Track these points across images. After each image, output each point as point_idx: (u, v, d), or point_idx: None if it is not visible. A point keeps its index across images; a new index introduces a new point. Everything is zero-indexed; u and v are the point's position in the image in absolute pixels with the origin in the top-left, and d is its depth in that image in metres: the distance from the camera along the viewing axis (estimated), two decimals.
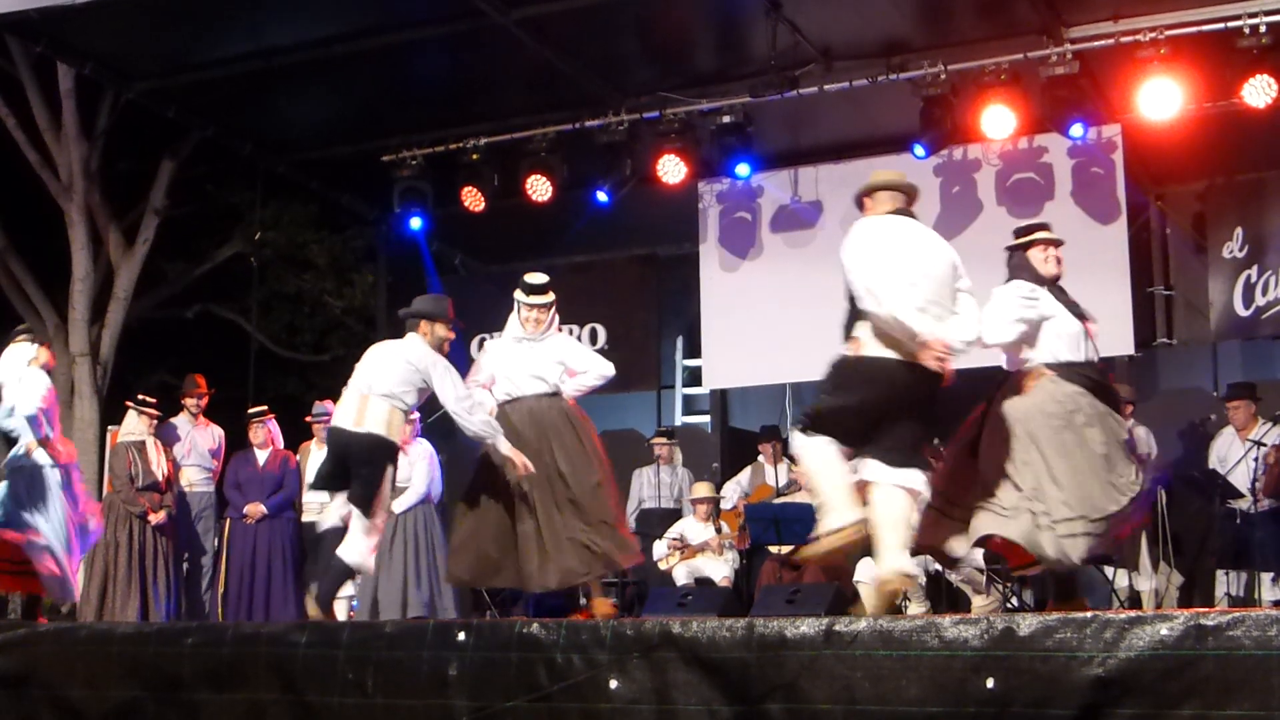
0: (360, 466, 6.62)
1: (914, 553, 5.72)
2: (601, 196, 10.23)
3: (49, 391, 7.55)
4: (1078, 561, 5.57)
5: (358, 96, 10.32)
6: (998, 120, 9.09)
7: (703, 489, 9.99)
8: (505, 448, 6.53)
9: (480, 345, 11.73)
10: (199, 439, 9.93)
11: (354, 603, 8.99)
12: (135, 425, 9.44)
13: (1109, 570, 7.87)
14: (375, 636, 5.64)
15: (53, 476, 7.53)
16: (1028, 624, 4.46)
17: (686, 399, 13.43)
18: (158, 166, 14.40)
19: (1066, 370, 5.71)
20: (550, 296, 6.90)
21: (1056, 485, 5.55)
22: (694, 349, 12.20)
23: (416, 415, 8.39)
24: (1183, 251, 10.69)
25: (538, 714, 5.11)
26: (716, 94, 9.80)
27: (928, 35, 9.23)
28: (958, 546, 5.82)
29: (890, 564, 5.26)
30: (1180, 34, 8.56)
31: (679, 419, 13.14)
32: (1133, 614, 4.59)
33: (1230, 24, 8.45)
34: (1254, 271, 9.97)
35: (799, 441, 5.51)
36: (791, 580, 8.44)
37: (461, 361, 7.28)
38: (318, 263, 16.22)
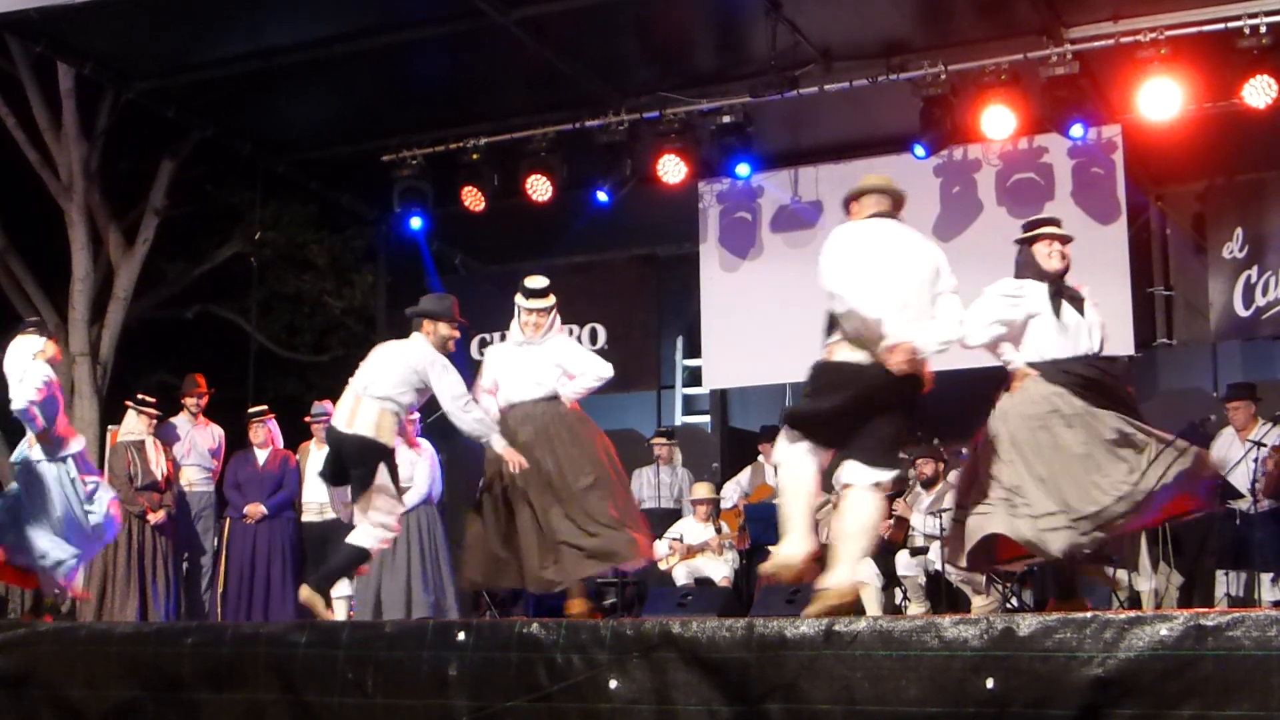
0: (353, 467, 6.73)
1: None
2: (601, 196, 10.24)
3: (46, 384, 7.52)
4: (1056, 554, 5.57)
5: (358, 96, 10.33)
6: (998, 120, 9.10)
7: (702, 489, 9.99)
8: (499, 445, 6.60)
9: (480, 345, 11.75)
10: (198, 439, 9.93)
11: (353, 602, 9.00)
12: (135, 425, 9.44)
13: (1109, 570, 7.86)
14: (375, 636, 5.64)
15: (50, 471, 7.53)
16: (1027, 624, 4.46)
17: (686, 399, 13.43)
18: (158, 166, 14.40)
19: (1050, 369, 5.71)
20: (550, 300, 6.89)
21: (1037, 482, 5.58)
22: (694, 349, 12.20)
23: (416, 415, 8.39)
24: (1183, 252, 10.69)
25: (537, 714, 5.11)
26: (716, 94, 9.81)
27: (928, 35, 9.23)
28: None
29: (842, 576, 5.27)
30: (1180, 34, 8.57)
31: (679, 419, 13.14)
32: (1132, 614, 4.59)
33: (1230, 24, 8.45)
34: (1254, 272, 9.97)
35: (779, 452, 5.56)
36: (792, 579, 8.43)
37: (461, 361, 7.28)
38: (318, 263, 16.23)
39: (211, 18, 9.10)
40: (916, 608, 8.63)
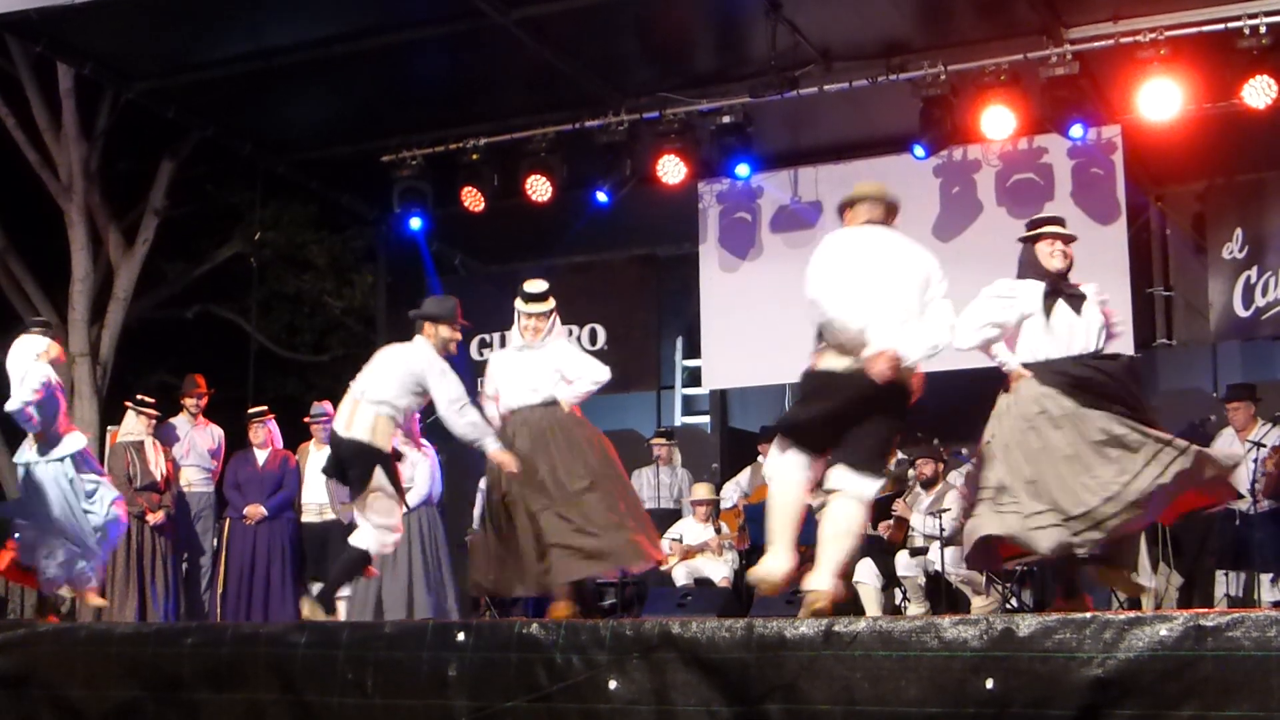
0: (350, 469, 6.77)
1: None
2: (601, 197, 10.24)
3: (45, 385, 7.50)
4: (1045, 551, 5.57)
5: (358, 96, 10.33)
6: (998, 121, 9.10)
7: (702, 490, 9.99)
8: (491, 449, 6.63)
9: (481, 346, 11.76)
10: (198, 439, 9.93)
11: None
12: (134, 425, 9.43)
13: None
14: (375, 637, 5.64)
15: (47, 473, 7.51)
16: (1027, 625, 4.46)
17: (686, 399, 13.43)
18: (157, 166, 14.40)
19: (1043, 369, 5.71)
20: (549, 304, 6.87)
21: (1026, 484, 5.59)
22: (694, 349, 12.20)
23: (416, 416, 8.40)
24: (1182, 252, 10.68)
25: (537, 714, 5.11)
26: (716, 94, 9.81)
27: (928, 36, 9.23)
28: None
29: (823, 580, 5.32)
30: (1180, 34, 8.57)
31: (679, 419, 13.14)
32: (1132, 615, 4.59)
33: (1230, 24, 8.45)
34: (1254, 272, 9.97)
35: (770, 464, 5.66)
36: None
37: (462, 362, 7.29)
38: (317, 263, 16.23)
39: (211, 18, 9.10)
40: (916, 608, 8.63)
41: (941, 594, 8.51)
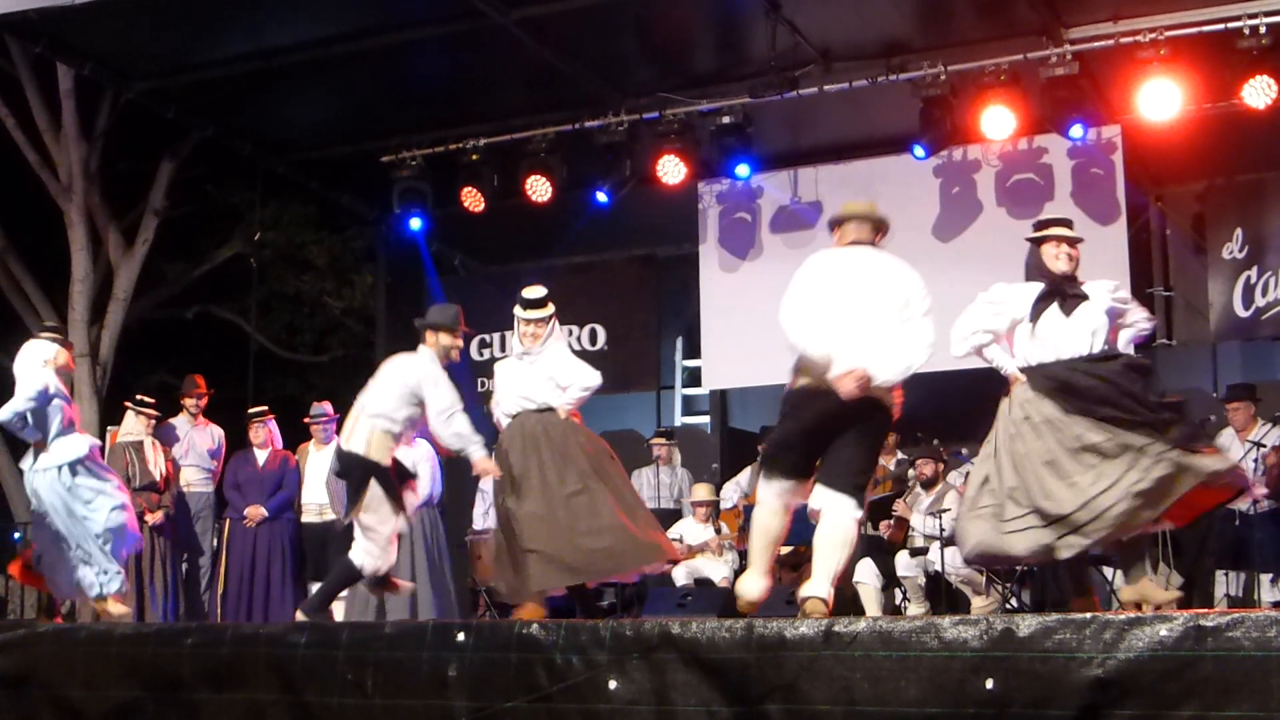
0: (346, 480, 6.91)
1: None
2: (601, 197, 10.23)
3: (39, 394, 7.46)
4: (1021, 554, 5.60)
5: (358, 96, 10.33)
6: (997, 121, 9.10)
7: (702, 491, 9.98)
8: (476, 456, 6.72)
9: (480, 347, 11.76)
10: (197, 439, 9.92)
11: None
12: (133, 426, 9.42)
13: (1108, 571, 7.87)
14: (374, 637, 5.64)
15: (43, 480, 7.48)
16: (1027, 625, 4.46)
17: (686, 399, 13.43)
18: (157, 167, 14.41)
19: (1035, 374, 5.69)
20: (548, 310, 6.85)
21: (1008, 489, 5.60)
22: (694, 349, 12.20)
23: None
24: (1182, 252, 10.68)
25: (537, 714, 5.11)
26: (716, 94, 9.80)
27: (927, 36, 9.23)
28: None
29: (812, 589, 5.41)
30: (1180, 35, 8.57)
31: (679, 419, 13.14)
32: (1132, 615, 4.59)
33: (1230, 25, 8.45)
34: (1254, 272, 9.97)
35: (759, 490, 5.80)
36: (792, 581, 8.44)
37: (461, 363, 7.30)
38: (317, 263, 16.23)
39: (211, 18, 9.10)
40: (916, 608, 8.63)
41: (941, 594, 8.51)
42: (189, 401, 10.01)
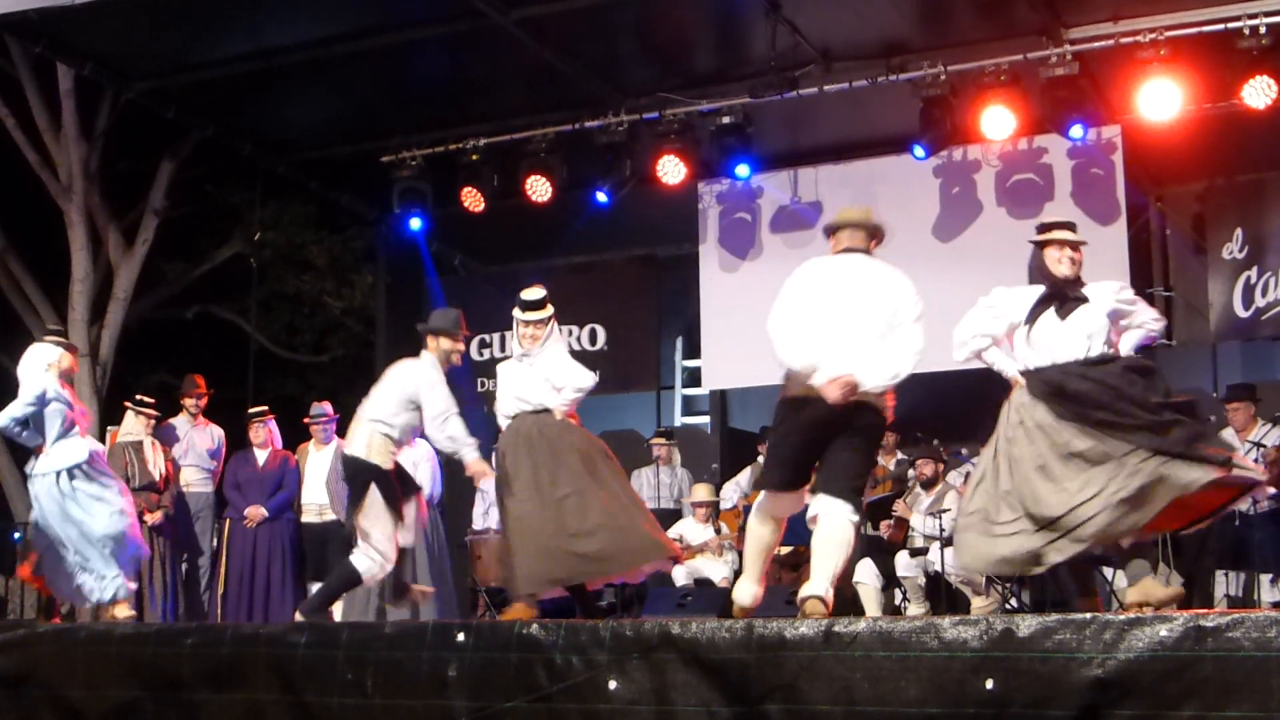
0: (348, 484, 6.98)
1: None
2: (601, 197, 10.23)
3: (39, 396, 7.44)
4: (1008, 556, 5.59)
5: (358, 96, 10.33)
6: (997, 121, 9.10)
7: (702, 491, 9.98)
8: (468, 459, 6.79)
9: (480, 347, 11.76)
10: (196, 439, 9.91)
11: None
12: (133, 426, 9.42)
13: (1108, 571, 7.87)
14: (374, 637, 5.64)
15: (40, 485, 7.47)
16: (1027, 625, 4.46)
17: (686, 399, 13.44)
18: (157, 167, 14.42)
19: (1033, 377, 5.68)
20: (546, 312, 6.84)
21: (1002, 494, 5.59)
22: (694, 349, 12.21)
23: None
24: (1182, 252, 10.67)
25: (537, 715, 5.11)
26: (716, 94, 9.81)
27: (927, 36, 9.23)
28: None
29: (812, 589, 5.45)
30: (1180, 35, 8.57)
31: (678, 419, 13.14)
32: (1132, 615, 4.59)
33: (1230, 25, 8.45)
34: (1254, 273, 9.96)
35: (755, 501, 5.89)
36: (791, 581, 8.45)
37: (461, 364, 7.32)
38: (317, 263, 16.23)
39: (211, 18, 9.10)
40: (916, 608, 8.63)
41: (941, 594, 8.51)
42: (189, 401, 10.01)
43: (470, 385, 11.19)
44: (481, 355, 11.67)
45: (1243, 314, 9.99)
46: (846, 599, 8.39)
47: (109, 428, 10.47)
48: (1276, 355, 10.80)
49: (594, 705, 5.01)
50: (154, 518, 9.19)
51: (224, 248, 15.81)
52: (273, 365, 16.63)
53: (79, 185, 14.03)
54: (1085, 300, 5.72)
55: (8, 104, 14.15)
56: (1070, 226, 5.93)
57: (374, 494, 6.79)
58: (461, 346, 7.07)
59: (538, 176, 10.13)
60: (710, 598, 7.97)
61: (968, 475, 8.78)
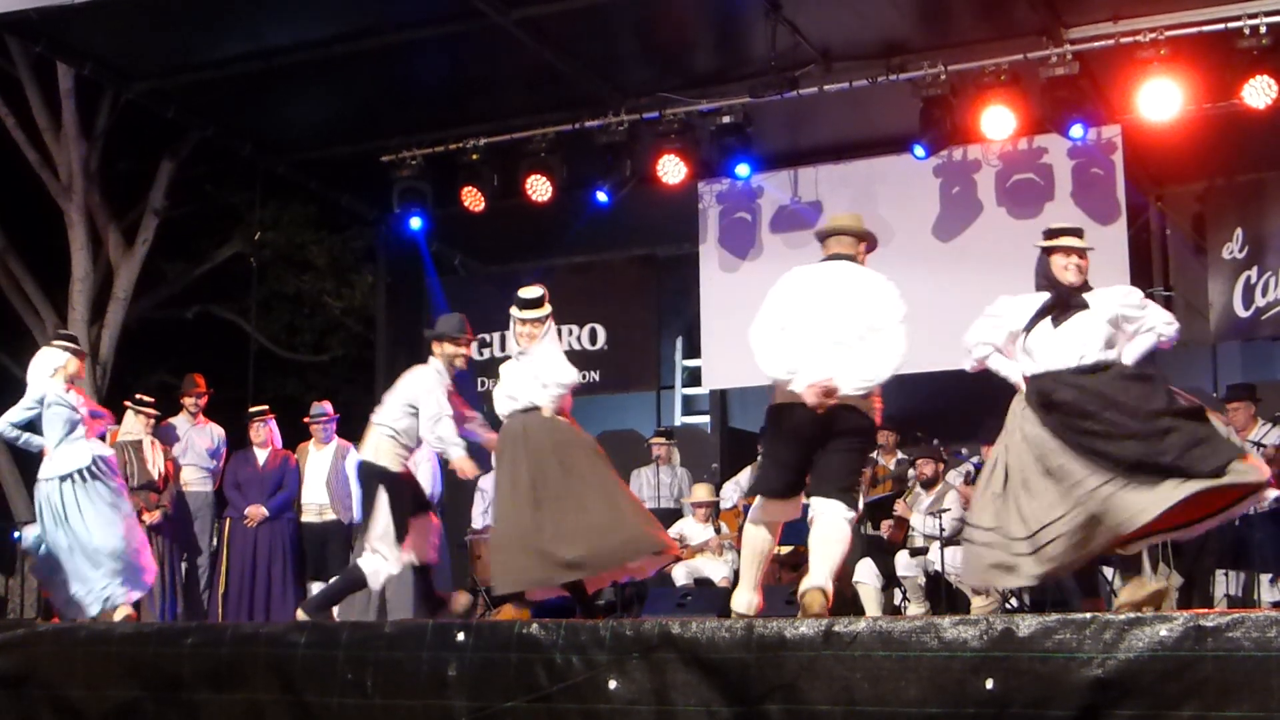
0: (363, 488, 7.22)
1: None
2: (601, 197, 10.23)
3: (38, 401, 7.46)
4: (973, 570, 5.63)
5: (358, 96, 10.32)
6: (997, 121, 9.10)
7: (702, 491, 9.98)
8: (454, 457, 6.98)
9: (480, 346, 11.75)
10: (196, 439, 9.91)
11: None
12: (133, 425, 9.42)
13: (1108, 571, 7.87)
14: (374, 637, 5.64)
15: (40, 491, 7.47)
16: (1027, 625, 4.46)
17: (686, 399, 13.43)
18: (157, 166, 14.42)
19: (1031, 385, 5.68)
20: (543, 311, 6.81)
21: (993, 498, 5.59)
22: (694, 349, 12.20)
23: None
24: (1182, 252, 10.67)
25: (537, 714, 5.11)
26: (716, 94, 9.80)
27: (927, 36, 9.23)
28: None
29: (812, 581, 5.50)
30: (1180, 34, 8.56)
31: (679, 419, 13.14)
32: (1132, 615, 4.59)
33: (1230, 25, 8.45)
34: (1254, 272, 9.96)
35: (751, 509, 5.95)
36: (791, 580, 8.44)
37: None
38: (317, 263, 16.22)
39: (211, 18, 9.10)
40: (916, 608, 8.63)
41: (941, 594, 8.51)
42: (188, 401, 10.01)
43: (470, 385, 11.19)
44: (482, 355, 11.66)
45: (1243, 314, 9.99)
46: (846, 599, 8.39)
47: (109, 427, 10.47)
48: (1276, 355, 10.80)
49: (594, 705, 5.01)
50: (152, 517, 9.19)
51: (224, 248, 15.80)
52: (273, 365, 16.63)
53: (79, 185, 14.02)
54: (1085, 307, 5.68)
55: (8, 104, 14.15)
56: (1077, 233, 5.87)
57: (383, 497, 6.96)
58: (465, 351, 7.19)
59: (538, 176, 10.13)
60: (710, 598, 7.98)
61: (968, 475, 8.80)
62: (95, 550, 7.39)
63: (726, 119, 9.73)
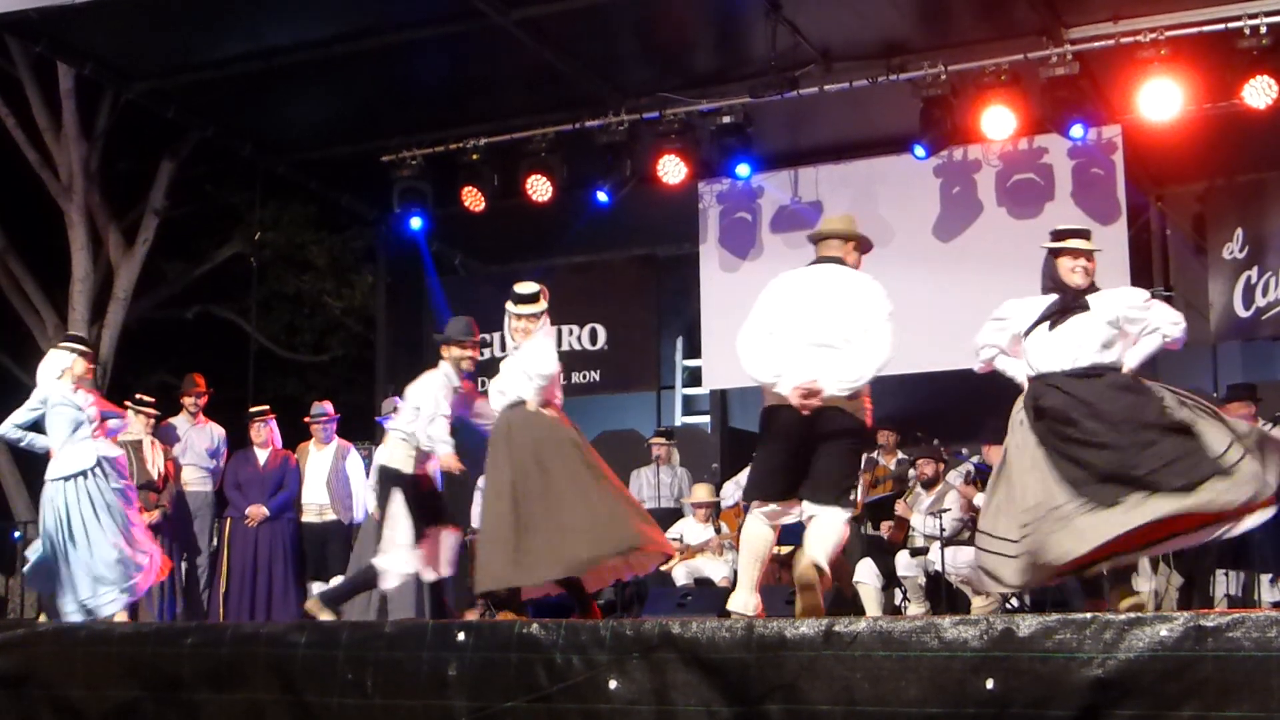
0: (377, 491, 7.39)
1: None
2: (601, 197, 10.24)
3: (41, 402, 7.48)
4: (984, 567, 5.63)
5: (358, 96, 10.33)
6: (998, 121, 9.10)
7: (702, 492, 9.97)
8: (439, 453, 7.10)
9: (480, 346, 11.75)
10: (195, 438, 9.90)
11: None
12: (133, 425, 9.41)
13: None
14: (374, 637, 5.63)
15: (47, 493, 7.46)
16: (1027, 625, 4.46)
17: (686, 399, 13.43)
18: (157, 167, 14.42)
19: (1031, 384, 5.68)
20: (537, 306, 6.77)
21: (990, 493, 5.64)
22: (694, 349, 12.20)
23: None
24: (1183, 252, 10.68)
25: (537, 714, 5.11)
26: (716, 94, 9.81)
27: (927, 36, 9.23)
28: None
29: (806, 555, 5.54)
30: (1180, 35, 8.57)
31: (679, 419, 13.14)
32: (1132, 615, 4.58)
33: (1230, 25, 8.46)
34: (1254, 273, 9.97)
35: (747, 514, 5.95)
36: (791, 581, 8.43)
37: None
38: (317, 263, 16.24)
39: (211, 18, 9.10)
40: (916, 608, 8.62)
41: (941, 594, 8.50)
42: (188, 400, 10.01)
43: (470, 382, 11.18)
44: (482, 355, 11.65)
45: (1243, 314, 9.99)
46: (846, 599, 8.38)
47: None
48: (1276, 355, 10.80)
49: (594, 705, 5.01)
50: (151, 516, 9.18)
51: (224, 248, 15.81)
52: (273, 365, 16.64)
53: (79, 185, 14.03)
54: (1085, 309, 5.65)
55: (8, 104, 14.16)
56: (1085, 235, 5.84)
57: (397, 499, 7.11)
58: (471, 353, 7.29)
59: (538, 176, 10.13)
60: (710, 598, 7.97)
61: (968, 475, 8.80)
62: (89, 563, 7.38)
63: (726, 119, 9.74)
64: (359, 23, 9.28)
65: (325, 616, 6.86)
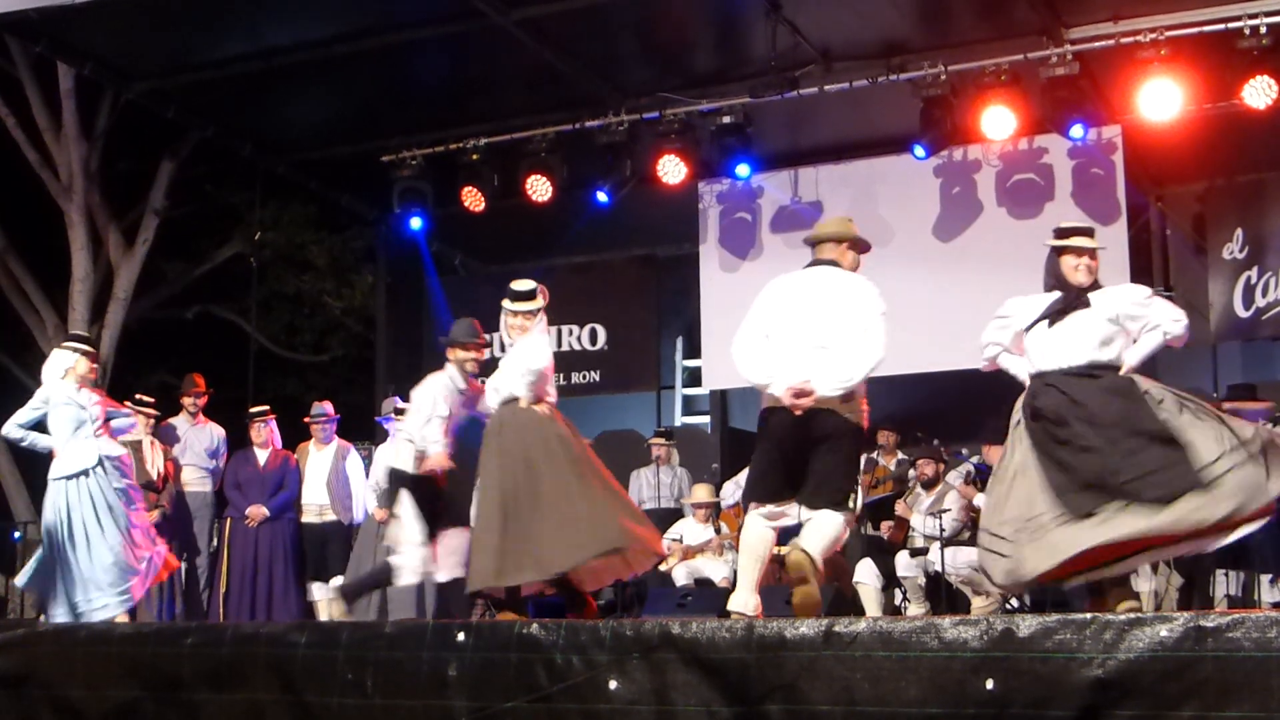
0: (388, 490, 7.60)
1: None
2: (601, 197, 10.24)
3: (42, 401, 7.49)
4: (968, 571, 5.64)
5: (358, 96, 10.33)
6: (998, 121, 9.10)
7: (701, 492, 9.97)
8: (430, 453, 7.13)
9: None
10: (195, 438, 9.90)
11: None
12: None
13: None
14: (375, 637, 5.63)
15: (49, 492, 7.46)
16: (1027, 625, 4.45)
17: (686, 399, 13.43)
18: (157, 167, 14.42)
19: (1030, 382, 5.68)
20: (534, 304, 6.75)
21: (989, 490, 5.66)
22: (694, 349, 12.21)
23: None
24: (1183, 252, 10.68)
25: (537, 715, 5.11)
26: (716, 94, 9.81)
27: (927, 36, 9.24)
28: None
29: (799, 543, 5.57)
30: (1180, 35, 8.57)
31: (679, 419, 13.14)
32: (1132, 616, 4.58)
33: (1230, 25, 8.46)
34: (1254, 273, 9.97)
35: (746, 516, 5.96)
36: (790, 581, 8.42)
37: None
38: (317, 263, 16.24)
39: (211, 18, 9.10)
40: (916, 608, 8.62)
41: (941, 594, 8.50)
42: (187, 400, 10.01)
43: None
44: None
45: (1243, 314, 9.99)
46: (846, 599, 8.38)
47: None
48: (1276, 355, 10.80)
49: (594, 705, 5.01)
50: (151, 517, 9.18)
51: (224, 248, 15.82)
52: (273, 365, 16.64)
53: (79, 185, 14.03)
54: (1086, 306, 5.64)
55: (8, 104, 14.16)
56: (1089, 233, 5.83)
57: (405, 500, 7.14)
58: (475, 354, 7.24)
59: (538, 176, 10.13)
60: (710, 598, 7.97)
61: (968, 475, 8.80)
62: (84, 566, 7.38)
63: (726, 119, 9.74)
64: (359, 23, 9.28)
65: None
